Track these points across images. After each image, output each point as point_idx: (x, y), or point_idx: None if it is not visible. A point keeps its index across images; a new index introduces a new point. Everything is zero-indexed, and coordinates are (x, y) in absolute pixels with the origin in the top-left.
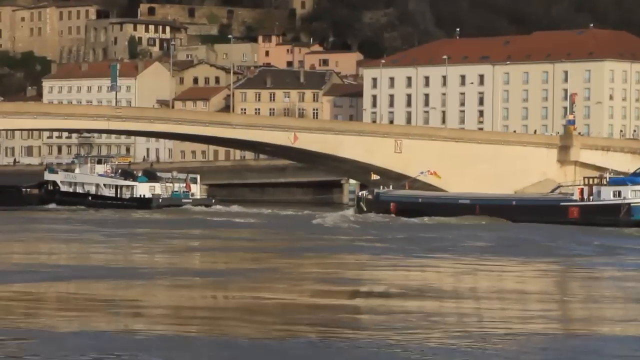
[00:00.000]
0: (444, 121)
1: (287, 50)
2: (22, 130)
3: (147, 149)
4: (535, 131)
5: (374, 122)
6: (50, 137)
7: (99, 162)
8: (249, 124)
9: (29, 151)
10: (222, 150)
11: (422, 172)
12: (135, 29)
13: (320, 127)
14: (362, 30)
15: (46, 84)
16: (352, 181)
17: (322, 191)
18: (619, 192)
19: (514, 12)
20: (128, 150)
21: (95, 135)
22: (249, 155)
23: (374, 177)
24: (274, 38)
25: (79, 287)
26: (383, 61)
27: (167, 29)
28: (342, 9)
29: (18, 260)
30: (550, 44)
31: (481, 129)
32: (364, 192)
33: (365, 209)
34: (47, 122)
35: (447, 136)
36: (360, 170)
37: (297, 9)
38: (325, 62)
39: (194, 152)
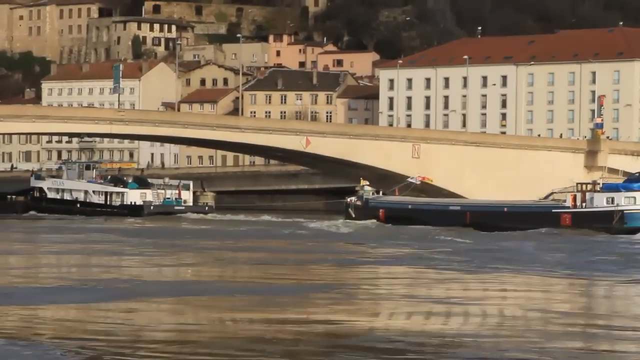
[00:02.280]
0: (464, 125)
1: (299, 50)
2: (20, 134)
3: (152, 154)
4: (561, 135)
5: (391, 125)
6: (49, 141)
7: (87, 167)
8: (259, 127)
9: (27, 156)
10: (230, 156)
11: (411, 178)
12: (139, 27)
13: (334, 131)
14: (379, 29)
15: (45, 85)
16: (367, 188)
17: (336, 198)
18: (612, 199)
19: (539, 10)
20: (132, 155)
21: (97, 139)
22: (258, 160)
23: (363, 182)
24: (285, 37)
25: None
26: (400, 61)
27: (173, 27)
28: (358, 7)
29: (78, 275)
30: (577, 43)
31: (504, 132)
32: (353, 199)
33: (353, 216)
34: (46, 125)
35: (468, 140)
36: (376, 176)
37: (309, 6)
38: (339, 63)
39: (200, 158)
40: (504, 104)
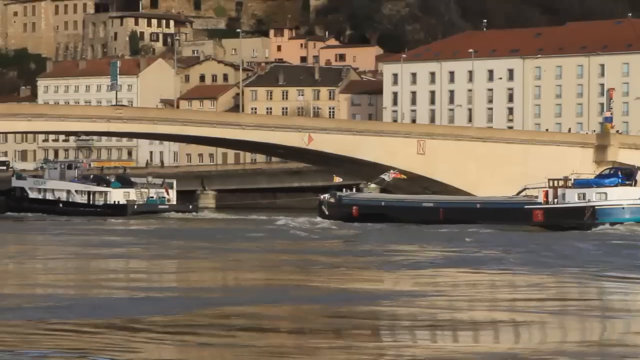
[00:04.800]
0: (470, 120)
1: (301, 45)
2: (15, 133)
3: (151, 152)
4: (569, 129)
5: (395, 121)
6: (46, 140)
7: (69, 167)
8: (260, 124)
9: (24, 156)
10: (231, 153)
11: (384, 174)
12: (136, 23)
13: (336, 127)
14: (382, 23)
15: (41, 83)
16: (371, 185)
17: None
18: (584, 195)
19: (546, 2)
20: (130, 153)
21: (95, 138)
22: (260, 158)
23: (337, 179)
24: (286, 32)
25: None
26: (404, 56)
27: (171, 23)
28: (360, 0)
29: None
30: (585, 35)
31: (511, 127)
32: (326, 196)
33: (327, 213)
34: (42, 124)
35: (474, 136)
36: (381, 173)
37: (311, 0)
38: (341, 57)
39: (200, 156)
40: (510, 98)
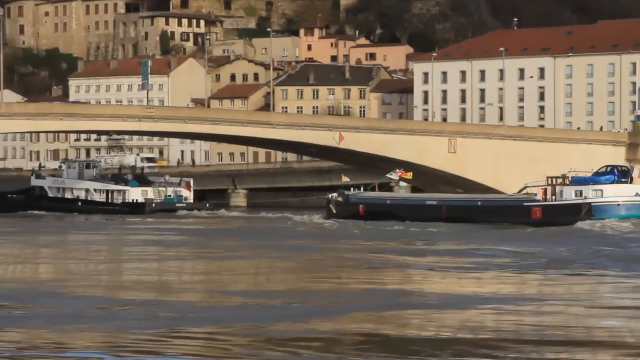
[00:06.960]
0: (501, 118)
1: (331, 44)
2: (47, 132)
3: (182, 151)
4: (601, 128)
5: (426, 120)
6: (77, 139)
7: (87, 166)
8: (291, 123)
9: (56, 155)
10: (262, 152)
11: (391, 174)
12: (167, 23)
13: (367, 126)
14: (412, 22)
15: (72, 82)
16: (402, 184)
17: None
18: (580, 192)
19: (577, 0)
20: (161, 152)
21: (126, 137)
22: (291, 157)
23: (345, 178)
24: (316, 31)
25: None
26: (435, 54)
27: (202, 22)
28: None
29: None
30: (617, 33)
31: (542, 126)
32: (334, 195)
33: (334, 212)
34: (73, 123)
35: (505, 134)
36: (412, 172)
37: None
38: (372, 57)
39: (232, 154)
40: (541, 97)
